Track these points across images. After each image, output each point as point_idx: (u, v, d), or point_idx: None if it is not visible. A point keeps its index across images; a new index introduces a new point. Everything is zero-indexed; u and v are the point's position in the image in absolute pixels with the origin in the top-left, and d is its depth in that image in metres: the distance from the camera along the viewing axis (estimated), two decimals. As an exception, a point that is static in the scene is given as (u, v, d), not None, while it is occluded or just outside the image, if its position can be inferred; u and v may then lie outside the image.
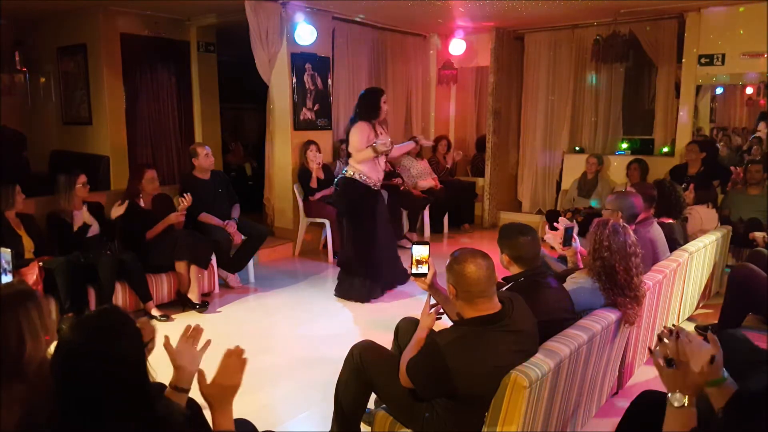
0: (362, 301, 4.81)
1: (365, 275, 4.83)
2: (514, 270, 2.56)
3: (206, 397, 1.54)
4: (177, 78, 7.11)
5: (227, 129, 8.42)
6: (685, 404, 1.54)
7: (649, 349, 1.63)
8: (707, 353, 1.56)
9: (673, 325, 1.70)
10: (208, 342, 1.77)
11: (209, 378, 1.64)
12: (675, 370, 1.56)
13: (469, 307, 2.07)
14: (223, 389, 1.54)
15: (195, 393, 1.67)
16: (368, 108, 4.69)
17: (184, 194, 4.69)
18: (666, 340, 1.62)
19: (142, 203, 4.69)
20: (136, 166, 5.62)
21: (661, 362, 1.58)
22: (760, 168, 5.40)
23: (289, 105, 6.33)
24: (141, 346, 1.46)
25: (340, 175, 4.93)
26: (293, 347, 3.95)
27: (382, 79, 7.58)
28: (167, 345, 1.64)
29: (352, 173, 4.73)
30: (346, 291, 4.90)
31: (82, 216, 4.30)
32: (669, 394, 1.57)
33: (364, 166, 4.72)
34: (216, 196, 5.13)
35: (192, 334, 1.75)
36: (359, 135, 4.64)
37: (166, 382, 1.71)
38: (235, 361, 1.58)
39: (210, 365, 1.68)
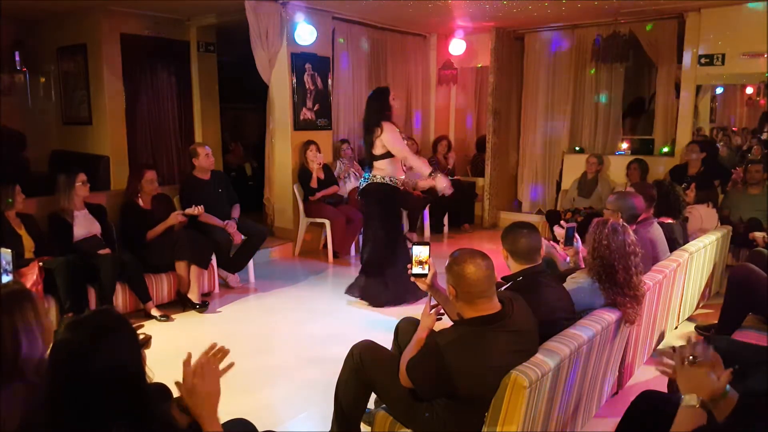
0: (392, 305, 4.64)
1: (392, 278, 4.67)
2: (512, 265, 2.57)
3: (191, 407, 1.53)
4: (177, 78, 7.11)
5: (227, 129, 8.42)
6: (696, 405, 1.55)
7: (673, 347, 1.64)
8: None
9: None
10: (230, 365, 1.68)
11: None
12: (696, 369, 1.57)
13: (469, 307, 2.07)
14: (204, 397, 1.53)
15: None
16: (382, 108, 4.64)
17: (194, 205, 4.72)
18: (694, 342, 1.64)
19: (141, 203, 4.69)
20: (136, 166, 5.62)
21: (685, 360, 1.59)
22: (760, 168, 5.41)
23: (289, 105, 6.33)
24: (137, 346, 1.47)
25: (370, 181, 4.72)
26: (293, 347, 3.95)
27: (382, 79, 7.58)
28: (186, 363, 1.60)
29: (382, 177, 4.65)
30: (372, 294, 4.73)
31: (83, 224, 4.32)
32: (683, 395, 1.58)
33: (390, 168, 4.66)
34: (216, 196, 5.12)
35: (216, 354, 1.62)
36: (392, 135, 4.58)
37: (165, 382, 1.70)
38: (210, 368, 1.57)
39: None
